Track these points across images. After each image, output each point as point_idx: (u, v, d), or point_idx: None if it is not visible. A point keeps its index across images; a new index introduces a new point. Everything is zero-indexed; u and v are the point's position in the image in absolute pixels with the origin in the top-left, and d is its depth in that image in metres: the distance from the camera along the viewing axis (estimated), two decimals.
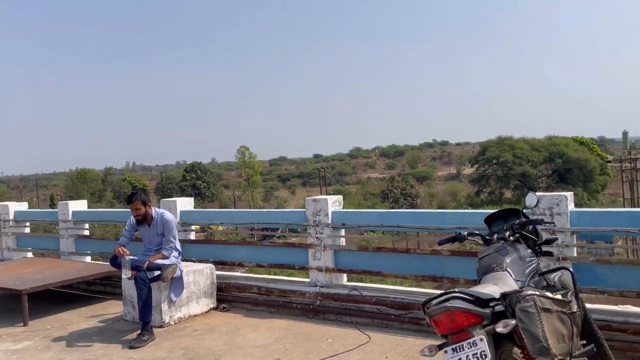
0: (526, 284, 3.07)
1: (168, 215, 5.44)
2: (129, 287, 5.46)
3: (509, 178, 64.23)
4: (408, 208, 55.77)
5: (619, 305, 4.12)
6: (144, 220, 5.38)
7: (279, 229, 6.11)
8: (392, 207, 56.21)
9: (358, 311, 5.05)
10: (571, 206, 4.24)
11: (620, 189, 43.24)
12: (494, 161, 64.89)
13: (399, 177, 65.74)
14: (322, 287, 5.38)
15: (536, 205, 3.65)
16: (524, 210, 3.61)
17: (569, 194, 4.25)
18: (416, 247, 5.25)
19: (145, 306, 5.04)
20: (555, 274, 3.31)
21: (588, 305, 4.13)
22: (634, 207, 37.65)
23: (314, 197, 5.55)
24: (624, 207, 38.61)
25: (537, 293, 2.56)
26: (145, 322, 5.01)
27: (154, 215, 5.39)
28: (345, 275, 5.49)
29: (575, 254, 4.22)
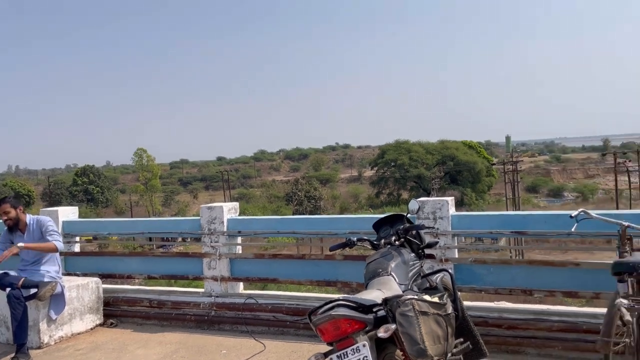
0: (409, 287, 3.21)
1: (44, 217, 5.07)
2: (2, 306, 4.97)
3: (406, 180, 67.47)
4: (312, 210, 56.63)
5: (495, 302, 4.45)
6: (16, 226, 4.94)
7: (179, 237, 5.89)
8: (297, 210, 56.68)
9: (254, 319, 5.01)
10: (452, 210, 4.50)
11: (504, 189, 47.12)
12: (392, 164, 67.88)
13: (303, 180, 66.54)
14: (217, 297, 5.26)
15: (418, 211, 3.83)
16: (408, 216, 3.78)
17: (450, 199, 4.51)
18: (312, 252, 5.30)
19: (21, 326, 4.61)
20: (437, 275, 3.48)
21: (467, 303, 4.42)
22: (515, 205, 41.18)
23: (208, 205, 5.42)
24: (507, 205, 42.11)
25: (416, 297, 2.69)
26: (20, 344, 4.58)
27: (28, 222, 4.97)
28: (241, 284, 5.42)
29: (456, 255, 4.48)
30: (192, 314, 5.29)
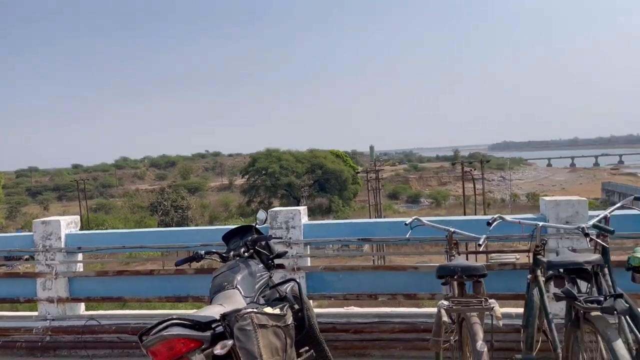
0: (255, 299, 3.18)
1: None
2: None
3: (277, 188, 68.11)
4: (179, 220, 54.51)
5: (345, 308, 4.59)
6: None
7: (25, 255, 5.21)
8: (162, 220, 54.19)
9: (96, 342, 4.61)
10: (305, 219, 4.57)
11: (368, 196, 49.67)
12: (263, 172, 68.11)
13: (170, 189, 63.89)
14: (53, 320, 4.76)
15: (265, 221, 3.82)
16: (257, 226, 3.75)
17: (302, 209, 4.57)
18: (160, 267, 5.03)
19: None
20: (286, 285, 3.49)
21: (318, 310, 4.51)
22: (378, 211, 43.61)
23: (42, 219, 4.89)
24: (369, 211, 44.38)
25: (255, 310, 2.64)
26: None
27: None
28: (83, 305, 4.97)
29: (309, 264, 4.55)
30: (23, 340, 4.72)
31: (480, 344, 2.47)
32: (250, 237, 3.52)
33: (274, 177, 66.70)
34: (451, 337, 3.11)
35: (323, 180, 67.65)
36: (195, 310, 2.90)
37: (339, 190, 67.68)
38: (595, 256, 2.80)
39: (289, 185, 66.63)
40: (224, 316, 2.58)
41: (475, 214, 33.99)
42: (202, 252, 3.52)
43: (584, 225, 3.10)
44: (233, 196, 75.72)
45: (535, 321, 3.27)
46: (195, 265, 5.16)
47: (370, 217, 40.31)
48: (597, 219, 3.22)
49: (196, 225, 49.52)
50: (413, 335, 4.14)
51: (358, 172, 65.42)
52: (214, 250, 3.56)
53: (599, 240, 3.10)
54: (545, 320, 3.17)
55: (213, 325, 2.60)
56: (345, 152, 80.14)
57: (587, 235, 3.06)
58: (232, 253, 3.47)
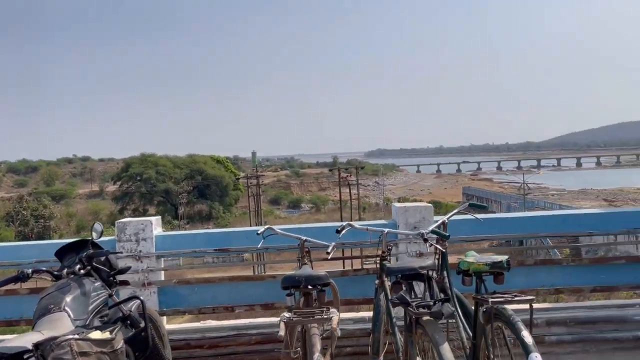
0: (88, 321, 2.88)
1: None
2: None
3: (153, 194, 65.07)
4: (40, 231, 49.68)
5: (201, 322, 4.38)
6: None
7: None
8: (21, 231, 49.07)
9: None
10: (158, 230, 4.30)
11: (248, 202, 49.26)
12: (138, 178, 64.67)
13: (30, 197, 58.10)
14: None
15: (101, 235, 3.52)
16: (94, 239, 3.44)
17: (154, 219, 4.30)
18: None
19: None
20: (132, 302, 3.22)
21: (171, 326, 4.27)
22: (259, 217, 43.41)
23: None
24: (250, 218, 44.04)
25: (76, 337, 2.38)
26: None
27: None
28: None
29: (162, 278, 4.28)
30: None
31: (316, 356, 2.45)
32: (85, 253, 3.20)
33: (150, 183, 63.64)
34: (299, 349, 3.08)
35: (203, 187, 65.94)
36: (5, 339, 2.54)
37: (219, 197, 66.44)
38: (429, 261, 2.93)
39: (167, 191, 63.98)
40: (37, 345, 2.28)
41: (351, 218, 35.27)
42: (29, 270, 3.11)
43: (423, 231, 3.24)
44: (104, 204, 70.82)
45: (381, 326, 3.35)
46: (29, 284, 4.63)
47: (250, 224, 40.02)
48: (436, 225, 3.39)
49: (60, 236, 45.50)
50: (270, 346, 4.05)
51: (239, 178, 64.74)
52: (44, 269, 3.17)
53: (437, 245, 3.26)
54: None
55: (25, 357, 2.28)
56: (226, 157, 78.96)
57: (426, 240, 3.21)
58: (65, 271, 3.12)
